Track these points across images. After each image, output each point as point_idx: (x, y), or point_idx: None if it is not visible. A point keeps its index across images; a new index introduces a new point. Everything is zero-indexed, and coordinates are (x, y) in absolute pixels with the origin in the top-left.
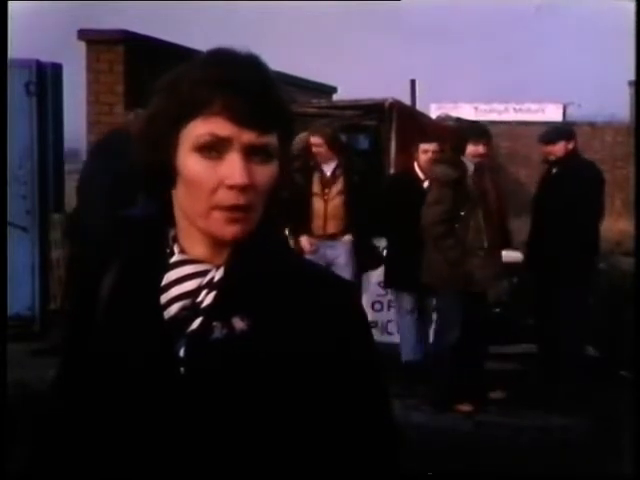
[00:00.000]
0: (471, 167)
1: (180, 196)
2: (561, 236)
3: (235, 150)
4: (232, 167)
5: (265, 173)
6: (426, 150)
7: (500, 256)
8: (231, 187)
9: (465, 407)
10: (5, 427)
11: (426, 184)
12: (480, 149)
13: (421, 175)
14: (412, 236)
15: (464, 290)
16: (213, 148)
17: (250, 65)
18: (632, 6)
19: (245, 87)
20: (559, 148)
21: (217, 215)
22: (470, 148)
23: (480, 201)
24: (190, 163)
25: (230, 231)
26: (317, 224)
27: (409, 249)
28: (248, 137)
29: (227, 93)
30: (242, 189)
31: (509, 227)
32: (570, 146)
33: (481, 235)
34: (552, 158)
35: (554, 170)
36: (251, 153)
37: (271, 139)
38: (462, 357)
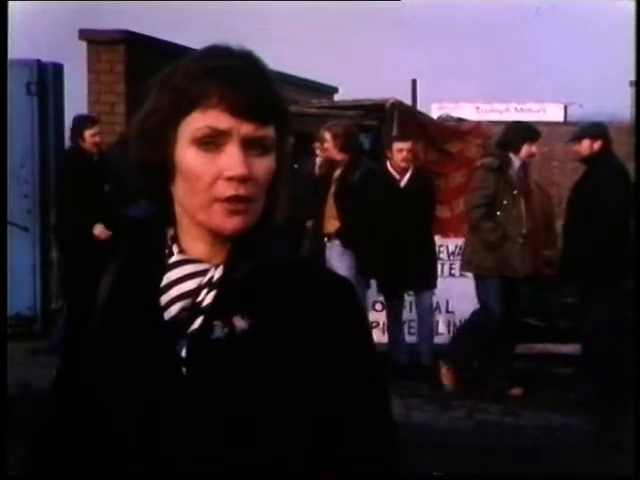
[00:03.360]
0: (517, 163)
1: (179, 191)
2: (585, 235)
3: (234, 142)
4: (231, 159)
5: (263, 165)
6: (401, 149)
7: (542, 251)
8: (230, 178)
9: (517, 391)
10: (6, 426)
11: (403, 183)
12: (533, 149)
13: (395, 175)
14: (391, 238)
15: (501, 275)
16: (211, 141)
17: (246, 58)
18: (632, 6)
19: (242, 79)
20: (584, 147)
21: (217, 207)
22: (526, 148)
23: (523, 193)
24: (189, 156)
25: (230, 224)
26: (319, 223)
27: (390, 251)
28: (246, 129)
29: (224, 85)
30: (241, 180)
31: (555, 229)
32: (596, 145)
33: (521, 224)
34: (578, 157)
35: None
36: (249, 145)
37: (269, 131)
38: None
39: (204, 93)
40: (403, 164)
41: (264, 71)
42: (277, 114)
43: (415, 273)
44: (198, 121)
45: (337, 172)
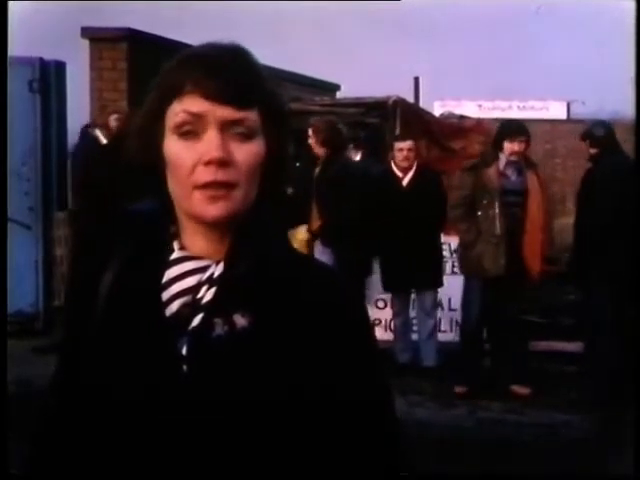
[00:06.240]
0: (503, 161)
1: (169, 184)
2: (587, 233)
3: (212, 127)
4: (209, 143)
5: (246, 151)
6: (401, 148)
7: (537, 252)
8: (208, 163)
9: (522, 390)
10: (7, 425)
11: (405, 182)
12: (515, 146)
13: (398, 173)
14: (395, 236)
15: (475, 275)
16: (191, 129)
17: (229, 49)
18: (632, 5)
19: (217, 65)
20: (588, 145)
21: (198, 194)
22: (506, 145)
23: (501, 192)
24: (170, 145)
25: (212, 210)
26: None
27: (397, 247)
28: (223, 112)
29: (199, 71)
30: (220, 164)
31: (553, 228)
32: (599, 143)
33: (495, 224)
34: (586, 156)
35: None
36: (229, 130)
37: (250, 114)
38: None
39: (181, 82)
40: (404, 163)
41: (244, 59)
42: (258, 98)
43: (416, 273)
44: (176, 107)
45: (317, 169)
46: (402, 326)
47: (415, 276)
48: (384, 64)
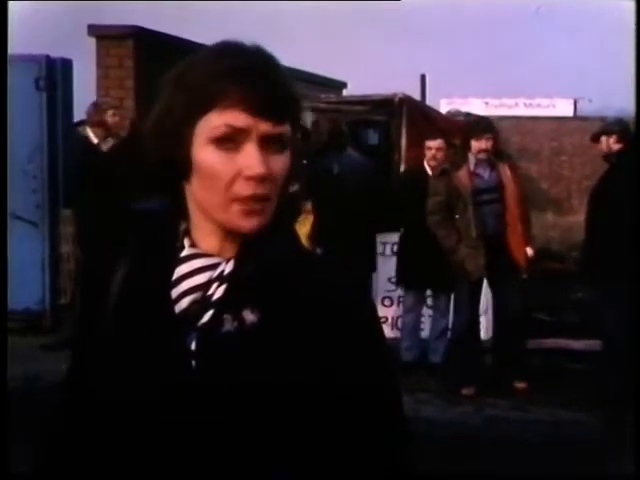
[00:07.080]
0: (472, 160)
1: (195, 190)
2: (605, 233)
3: (252, 141)
4: (250, 158)
5: (280, 163)
6: (429, 147)
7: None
8: (249, 178)
9: (520, 384)
10: (14, 422)
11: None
12: (482, 144)
13: (429, 171)
14: (419, 232)
15: (460, 279)
16: (229, 139)
17: (260, 56)
18: (632, 5)
19: (261, 78)
20: (602, 145)
21: (236, 207)
22: (474, 144)
23: (475, 194)
24: (207, 155)
25: (248, 223)
26: None
27: (416, 245)
28: (264, 127)
29: (243, 84)
30: (260, 179)
31: (530, 219)
32: (612, 142)
33: (470, 227)
34: (601, 155)
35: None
36: (267, 143)
37: (285, 129)
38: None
39: (223, 93)
40: (431, 162)
41: (279, 69)
42: (292, 111)
43: (436, 272)
44: (216, 120)
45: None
46: (412, 323)
47: (434, 275)
48: (390, 62)
